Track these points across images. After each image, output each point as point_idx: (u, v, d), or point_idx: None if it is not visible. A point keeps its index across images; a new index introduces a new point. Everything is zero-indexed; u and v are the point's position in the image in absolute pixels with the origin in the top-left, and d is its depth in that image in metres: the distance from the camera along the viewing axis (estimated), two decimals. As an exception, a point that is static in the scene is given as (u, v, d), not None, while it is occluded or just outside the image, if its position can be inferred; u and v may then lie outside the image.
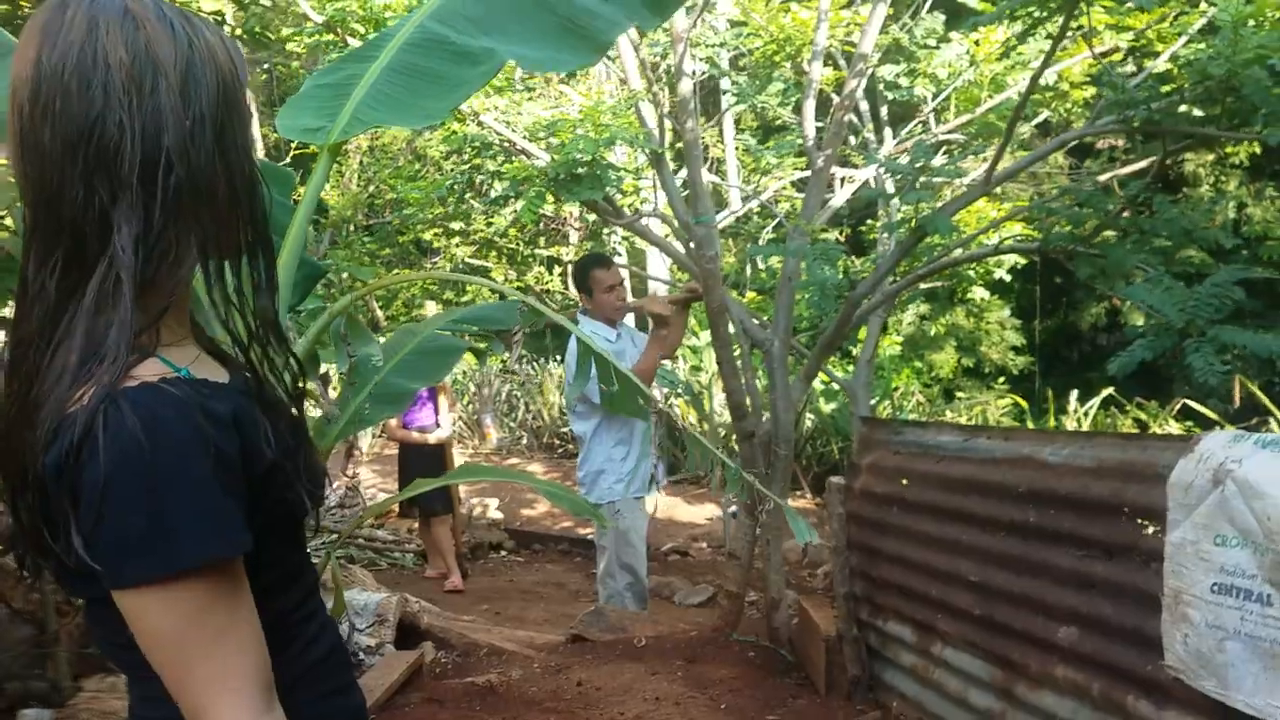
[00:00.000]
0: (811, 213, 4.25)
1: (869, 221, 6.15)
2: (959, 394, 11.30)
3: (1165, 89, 3.47)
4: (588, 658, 3.96)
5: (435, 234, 10.14)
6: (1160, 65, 3.77)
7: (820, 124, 4.57)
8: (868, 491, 3.65)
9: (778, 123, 5.51)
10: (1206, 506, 1.99)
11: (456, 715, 3.00)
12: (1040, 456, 2.68)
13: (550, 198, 4.14)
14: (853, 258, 4.90)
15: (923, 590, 3.18)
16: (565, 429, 10.65)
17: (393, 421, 6.42)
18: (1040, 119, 5.56)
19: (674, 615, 5.44)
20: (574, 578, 6.73)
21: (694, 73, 4.50)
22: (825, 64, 4.97)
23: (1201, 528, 2.00)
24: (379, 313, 16.69)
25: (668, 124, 4.27)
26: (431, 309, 15.14)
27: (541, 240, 13.31)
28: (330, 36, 4.00)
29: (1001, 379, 14.18)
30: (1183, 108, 3.38)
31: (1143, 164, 4.17)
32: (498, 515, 8.53)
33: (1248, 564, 1.90)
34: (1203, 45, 3.40)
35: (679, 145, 5.11)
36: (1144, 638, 2.18)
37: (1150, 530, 2.21)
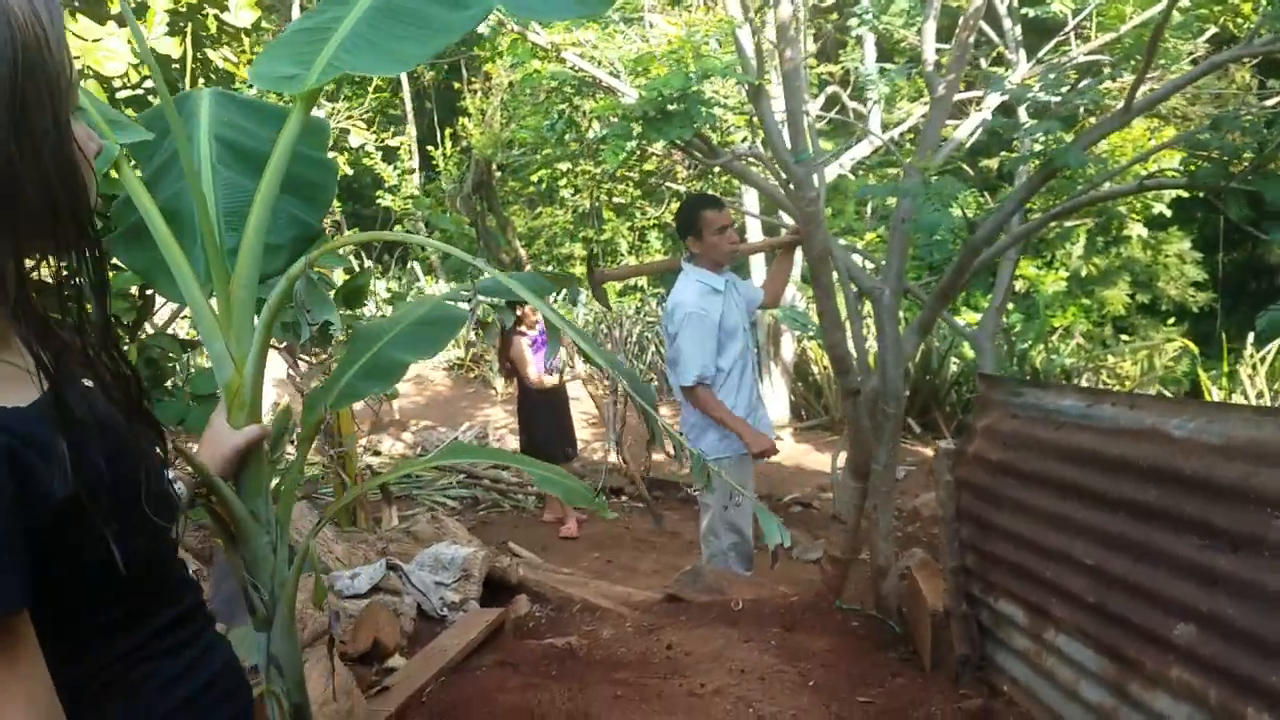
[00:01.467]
0: (929, 146, 3.85)
1: (1005, 153, 5.60)
2: (1126, 336, 10.41)
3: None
4: (681, 619, 3.84)
5: (546, 174, 10.01)
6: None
7: (945, 45, 4.13)
8: (981, 457, 3.32)
9: (903, 47, 5.05)
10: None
11: (525, 681, 2.93)
12: (1165, 429, 2.32)
13: (640, 137, 3.92)
14: (985, 194, 4.45)
15: (1037, 570, 2.87)
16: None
17: (532, 374, 6.34)
18: (1209, 34, 4.87)
19: (788, 572, 5.24)
20: (690, 527, 6.62)
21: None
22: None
23: (1349, 529, 1.65)
24: (522, 252, 16.91)
25: (769, 49, 3.94)
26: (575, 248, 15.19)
27: (656, 177, 12.96)
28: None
29: (1177, 318, 13.06)
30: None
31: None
32: (622, 458, 8.51)
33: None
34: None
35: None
36: (1271, 646, 1.85)
37: (1286, 524, 1.85)
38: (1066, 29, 4.13)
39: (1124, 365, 8.63)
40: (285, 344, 4.04)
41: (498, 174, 18.03)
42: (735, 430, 4.11)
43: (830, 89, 6.50)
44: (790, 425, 9.62)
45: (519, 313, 6.29)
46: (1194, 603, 2.09)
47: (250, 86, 4.06)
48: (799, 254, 4.72)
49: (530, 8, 1.63)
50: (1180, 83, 3.19)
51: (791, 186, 3.80)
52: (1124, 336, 10.02)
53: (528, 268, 16.64)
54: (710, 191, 9.16)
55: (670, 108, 3.73)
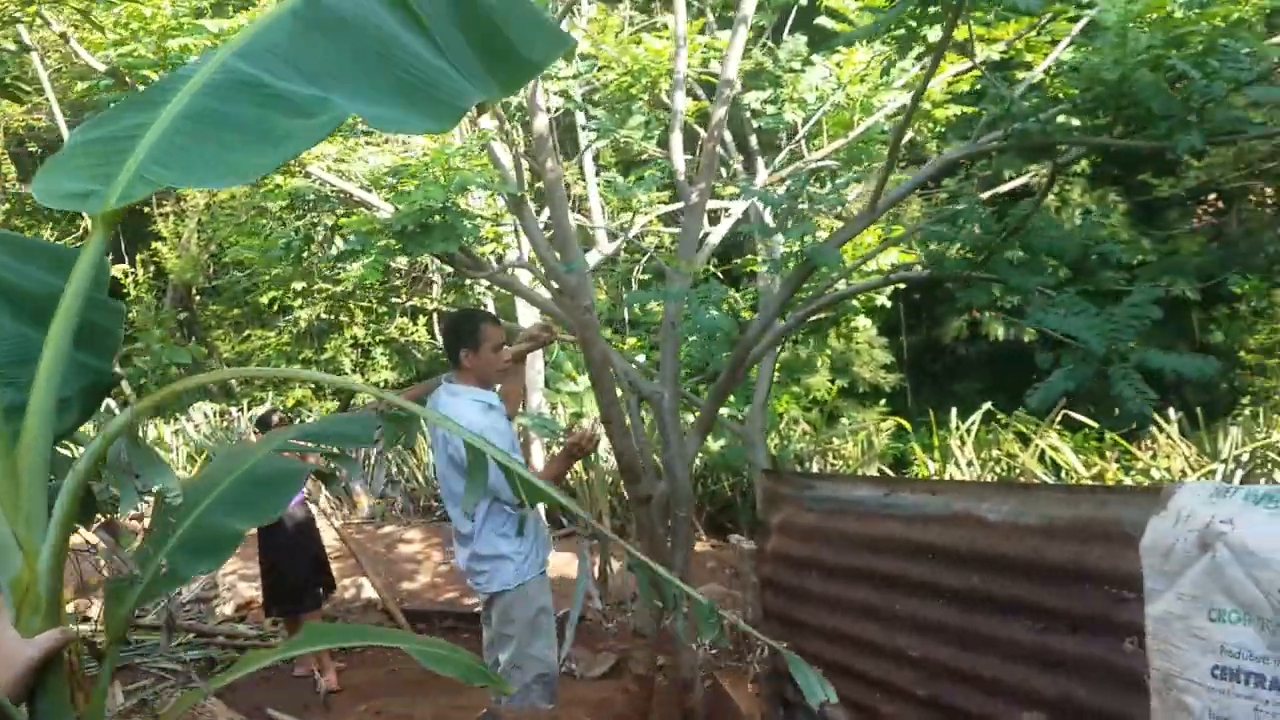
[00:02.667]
0: (690, 251, 3.92)
1: (749, 255, 5.91)
2: (841, 419, 11.24)
3: (1035, 101, 3.30)
4: (483, 774, 3.46)
5: (278, 294, 9.42)
6: (1036, 75, 3.62)
7: (689, 157, 4.27)
8: (782, 554, 3.31)
9: (642, 157, 5.19)
10: (1194, 575, 1.71)
11: None
12: (977, 513, 2.39)
13: (400, 252, 3.67)
14: (734, 294, 4.60)
15: (858, 667, 2.85)
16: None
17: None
18: (903, 139, 5.43)
19: (577, 693, 4.96)
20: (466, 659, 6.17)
21: (549, 108, 4.13)
22: (685, 94, 4.70)
23: (1191, 600, 1.72)
24: (232, 380, 15.62)
25: (525, 164, 3.88)
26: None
27: (403, 290, 12.69)
28: (117, 92, 3.44)
29: (873, 398, 14.35)
30: (1061, 118, 3.22)
31: (1017, 181, 4.03)
32: (372, 595, 7.87)
33: (1254, 643, 1.62)
34: (1082, 51, 3.25)
35: (538, 185, 4.73)
36: (1131, 726, 1.88)
37: (1123, 599, 1.92)
38: (798, 136, 4.44)
39: (846, 447, 9.26)
40: (103, 521, 3.30)
41: (197, 298, 16.70)
42: (557, 468, 3.94)
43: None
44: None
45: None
46: (1038, 688, 2.11)
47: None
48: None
49: (390, 121, 1.43)
50: (917, 180, 3.46)
51: (563, 294, 3.71)
52: (844, 420, 10.82)
53: (237, 392, 15.41)
54: (464, 305, 8.94)
55: (432, 220, 3.54)
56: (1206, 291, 10.35)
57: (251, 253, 4.63)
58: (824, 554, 3.05)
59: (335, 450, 1.90)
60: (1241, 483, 6.64)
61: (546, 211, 3.82)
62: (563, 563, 8.25)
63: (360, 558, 7.76)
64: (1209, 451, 7.20)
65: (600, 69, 5.19)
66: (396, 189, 3.68)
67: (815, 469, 8.65)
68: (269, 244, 4.56)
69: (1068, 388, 2.79)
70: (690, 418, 4.57)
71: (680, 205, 5.19)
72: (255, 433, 6.01)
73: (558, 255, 3.68)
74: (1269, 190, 11.45)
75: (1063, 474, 7.64)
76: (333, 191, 3.76)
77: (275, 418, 5.90)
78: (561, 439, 9.40)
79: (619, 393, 3.76)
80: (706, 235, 4.35)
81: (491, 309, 8.63)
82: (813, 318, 4.52)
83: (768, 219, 4.31)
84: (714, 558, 8.00)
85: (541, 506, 3.96)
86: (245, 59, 1.57)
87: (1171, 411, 7.54)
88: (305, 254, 4.21)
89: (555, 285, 3.71)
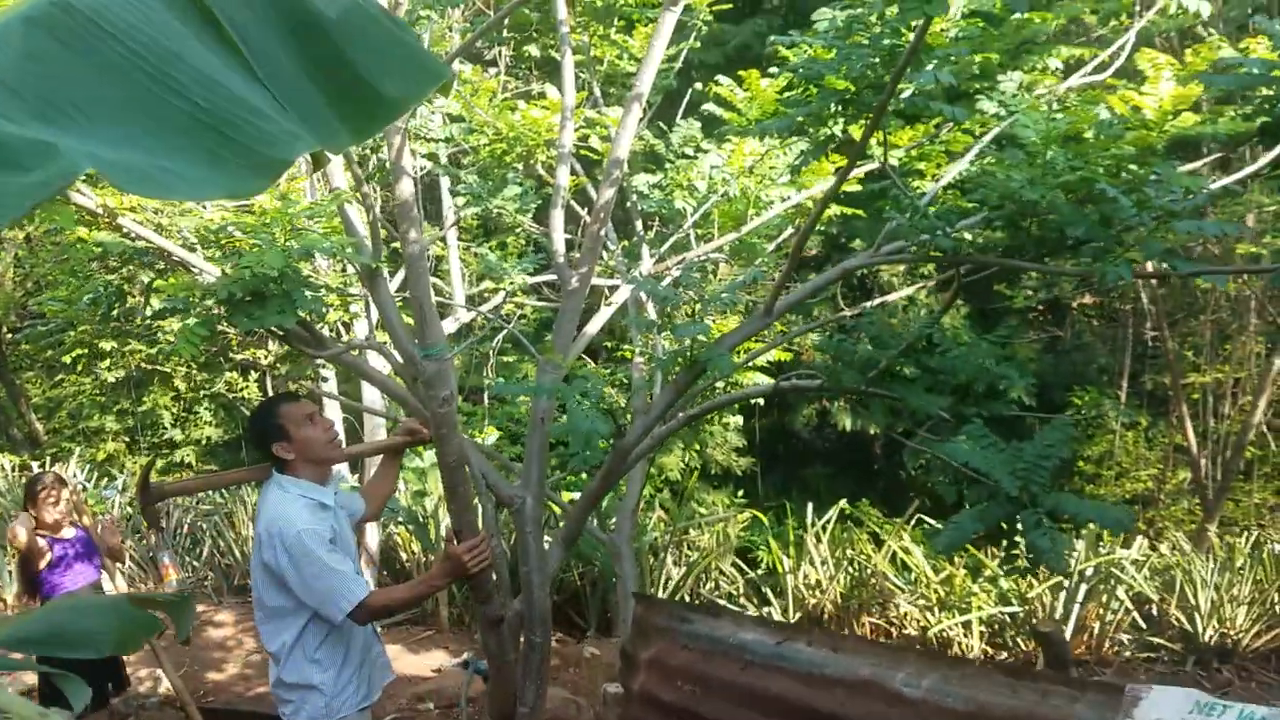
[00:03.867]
0: (566, 341, 3.55)
1: (621, 344, 5.58)
2: (694, 503, 10.98)
3: (941, 211, 3.14)
4: None
5: (83, 353, 8.48)
6: (941, 184, 3.49)
7: (569, 236, 3.93)
8: (652, 697, 2.91)
9: (515, 228, 4.81)
10: (1179, 810, 1.42)
11: None
12: (891, 685, 2.08)
13: (226, 322, 3.14)
14: (609, 388, 4.24)
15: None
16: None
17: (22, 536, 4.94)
18: (781, 238, 5.25)
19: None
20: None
21: (416, 169, 3.71)
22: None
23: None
24: (38, 426, 14.01)
25: (382, 230, 3.44)
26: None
27: (234, 343, 11.73)
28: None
29: (723, 480, 14.28)
30: (969, 235, 3.06)
31: (907, 291, 3.89)
32: (172, 685, 6.92)
33: None
34: (991, 164, 3.12)
35: (394, 244, 4.27)
36: None
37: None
38: (685, 225, 4.17)
39: (703, 539, 8.99)
40: None
41: (9, 336, 14.99)
42: (422, 591, 3.31)
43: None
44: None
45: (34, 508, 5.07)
46: None
47: None
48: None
49: (156, 175, 0.95)
50: (815, 285, 3.23)
51: (420, 384, 3.25)
52: (700, 510, 10.58)
53: (44, 441, 13.80)
54: (303, 382, 8.21)
55: (267, 289, 3.03)
56: (1041, 400, 10.79)
57: (56, 305, 3.95)
58: (701, 705, 2.68)
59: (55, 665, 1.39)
60: (1086, 597, 6.72)
61: (407, 288, 3.37)
62: (413, 663, 7.52)
63: (153, 644, 6.84)
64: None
65: (472, 132, 4.82)
66: (226, 245, 3.15)
67: (669, 561, 8.31)
68: (76, 296, 3.89)
69: (977, 530, 2.56)
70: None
71: (549, 278, 4.83)
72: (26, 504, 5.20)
73: (415, 340, 3.23)
74: (1097, 302, 12.17)
75: (912, 575, 7.59)
76: (148, 246, 3.19)
77: (39, 486, 5.13)
78: (400, 518, 8.73)
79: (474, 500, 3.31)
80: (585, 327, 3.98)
81: (333, 386, 7.94)
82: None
83: (650, 310, 4.00)
84: (558, 655, 7.49)
85: (375, 627, 3.40)
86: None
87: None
88: (115, 311, 3.59)
89: (410, 371, 3.25)
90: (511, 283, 3.98)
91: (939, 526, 7.89)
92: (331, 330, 5.01)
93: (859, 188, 4.25)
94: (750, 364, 4.37)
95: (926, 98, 2.70)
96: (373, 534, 8.98)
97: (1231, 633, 6.72)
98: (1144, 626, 6.92)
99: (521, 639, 3.42)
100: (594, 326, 3.82)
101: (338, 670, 3.27)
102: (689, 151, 4.15)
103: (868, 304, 4.15)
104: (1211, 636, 6.71)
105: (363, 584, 3.16)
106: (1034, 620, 6.77)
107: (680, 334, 3.16)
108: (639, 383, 4.08)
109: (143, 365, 10.40)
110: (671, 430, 3.59)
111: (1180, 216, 2.56)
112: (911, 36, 2.52)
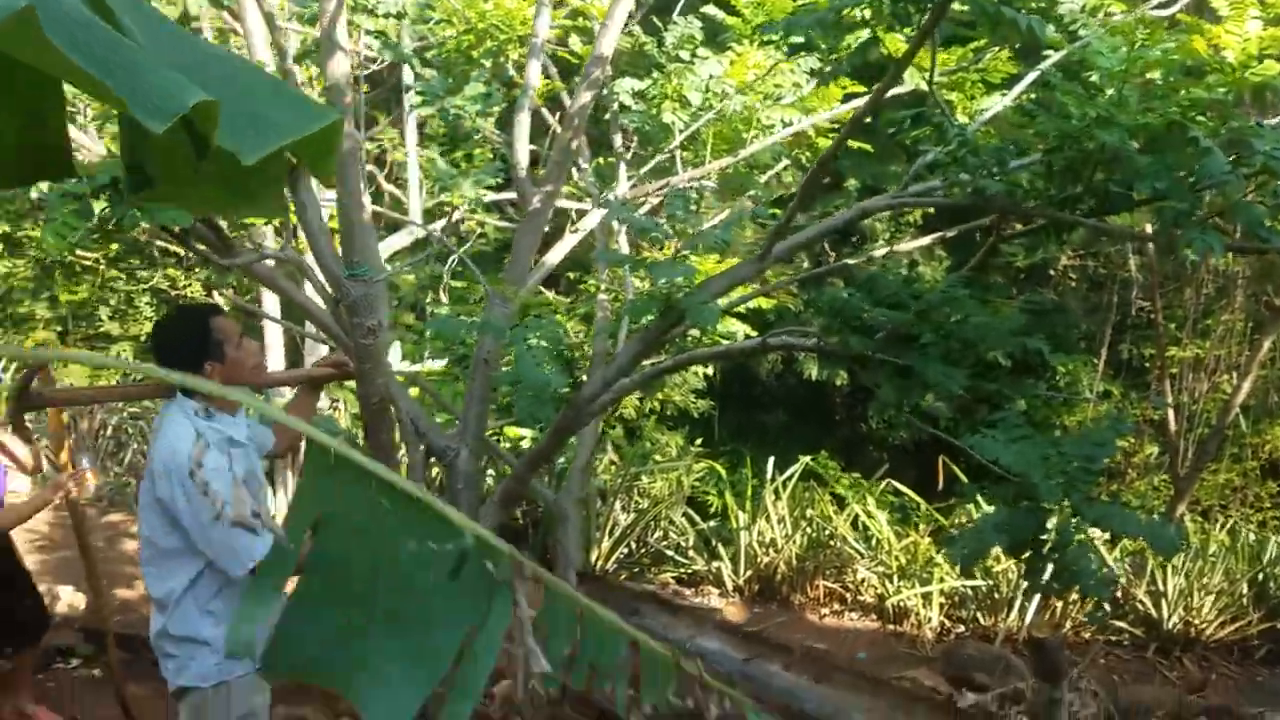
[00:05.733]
0: (521, 272, 3.02)
1: (587, 279, 4.99)
2: (648, 443, 10.55)
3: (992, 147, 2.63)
4: None
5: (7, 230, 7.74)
6: (993, 111, 2.96)
7: (534, 147, 3.36)
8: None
9: (475, 133, 4.22)
10: None
11: None
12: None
13: (109, 216, 2.56)
14: (566, 326, 3.71)
15: None
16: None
17: None
18: (775, 170, 4.68)
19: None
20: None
21: (356, 51, 3.11)
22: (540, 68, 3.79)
23: None
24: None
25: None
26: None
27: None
28: None
29: (678, 422, 13.93)
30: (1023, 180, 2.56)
31: (921, 241, 3.40)
32: (71, 606, 6.42)
33: None
34: (1046, 96, 2.61)
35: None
36: None
37: None
38: (673, 144, 3.61)
39: (655, 486, 8.62)
40: None
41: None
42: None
43: (367, 168, 5.48)
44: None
45: None
46: None
47: None
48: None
49: None
50: (823, 230, 2.72)
51: (343, 309, 2.71)
52: (655, 454, 10.15)
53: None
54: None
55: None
56: (1017, 363, 10.46)
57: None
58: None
59: None
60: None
61: (334, 192, 2.81)
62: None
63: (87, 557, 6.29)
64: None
65: (438, 23, 4.19)
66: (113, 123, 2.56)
67: (617, 506, 7.91)
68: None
69: (1001, 545, 2.12)
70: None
71: (513, 195, 4.27)
72: None
73: (339, 252, 2.68)
74: (1079, 263, 11.78)
75: (873, 542, 7.28)
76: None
77: None
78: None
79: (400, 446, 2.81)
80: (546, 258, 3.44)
81: (275, 306, 7.26)
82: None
83: (622, 242, 3.46)
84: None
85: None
86: None
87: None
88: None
89: (332, 293, 2.71)
90: (464, 197, 3.42)
91: (908, 493, 7.58)
92: (239, 238, 4.41)
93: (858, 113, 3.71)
94: (729, 310, 3.89)
95: (987, 3, 2.17)
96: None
97: (1196, 622, 6.49)
98: (1106, 609, 6.68)
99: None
100: (555, 256, 3.27)
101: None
102: (684, 55, 3.55)
103: (855, 256, 3.67)
104: (1176, 624, 6.48)
105: (270, 538, 2.64)
106: (997, 595, 6.51)
107: (658, 274, 2.64)
108: (601, 325, 3.58)
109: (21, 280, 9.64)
110: (636, 385, 3.10)
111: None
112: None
